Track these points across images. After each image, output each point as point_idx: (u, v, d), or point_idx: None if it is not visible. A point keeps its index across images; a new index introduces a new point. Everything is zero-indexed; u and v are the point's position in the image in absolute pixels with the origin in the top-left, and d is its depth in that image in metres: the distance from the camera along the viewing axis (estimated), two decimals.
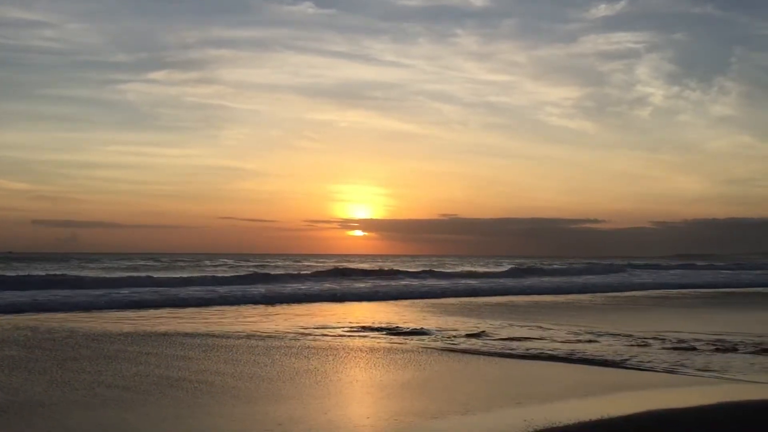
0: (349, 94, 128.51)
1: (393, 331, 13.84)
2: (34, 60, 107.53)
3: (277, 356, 10.39)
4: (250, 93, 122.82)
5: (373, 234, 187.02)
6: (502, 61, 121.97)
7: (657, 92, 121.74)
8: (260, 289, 26.03)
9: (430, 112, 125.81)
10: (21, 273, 34.33)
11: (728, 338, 12.50)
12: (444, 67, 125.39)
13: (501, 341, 12.19)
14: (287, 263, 67.89)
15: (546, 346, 11.50)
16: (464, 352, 11.04)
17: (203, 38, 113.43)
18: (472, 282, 33.80)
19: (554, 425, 6.08)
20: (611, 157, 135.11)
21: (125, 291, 22.96)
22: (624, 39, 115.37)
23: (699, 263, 70.37)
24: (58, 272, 34.49)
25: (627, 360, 10.09)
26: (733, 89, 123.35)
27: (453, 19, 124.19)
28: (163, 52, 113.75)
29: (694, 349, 11.17)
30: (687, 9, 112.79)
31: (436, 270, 43.98)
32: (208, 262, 64.68)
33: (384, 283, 32.41)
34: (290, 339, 12.46)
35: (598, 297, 26.80)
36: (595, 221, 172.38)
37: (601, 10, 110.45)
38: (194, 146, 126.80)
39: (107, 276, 32.66)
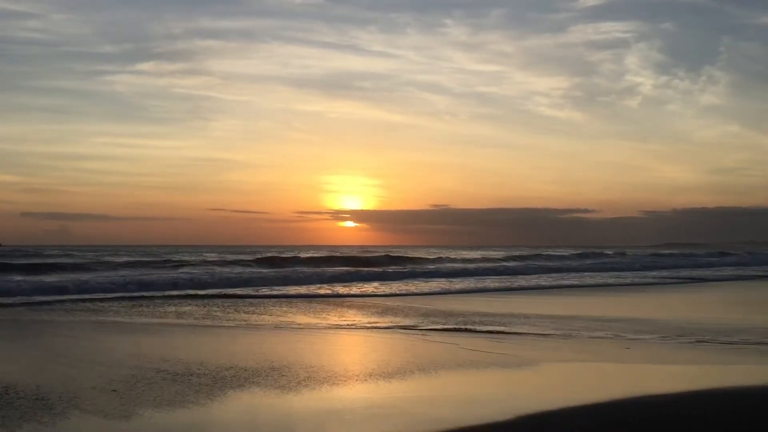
0: (337, 85, 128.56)
1: None
2: (19, 51, 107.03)
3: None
4: (239, 84, 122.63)
5: (364, 225, 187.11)
6: (491, 52, 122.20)
7: (646, 82, 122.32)
8: None
9: (419, 102, 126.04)
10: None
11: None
12: (433, 57, 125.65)
13: None
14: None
15: None
16: None
17: (190, 29, 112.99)
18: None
19: (544, 410, 6.36)
20: (600, 147, 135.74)
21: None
22: (613, 29, 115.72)
23: None
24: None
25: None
26: (722, 79, 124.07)
27: (441, 9, 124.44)
28: (150, 42, 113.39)
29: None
30: None
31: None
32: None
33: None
34: None
35: None
36: (586, 211, 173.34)
37: (590, 0, 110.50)
38: (183, 138, 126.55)
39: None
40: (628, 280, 31.31)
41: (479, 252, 72.33)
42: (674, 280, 31.64)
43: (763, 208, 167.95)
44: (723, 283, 30.01)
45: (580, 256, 53.79)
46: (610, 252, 61.63)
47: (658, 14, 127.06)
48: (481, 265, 42.03)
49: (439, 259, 46.94)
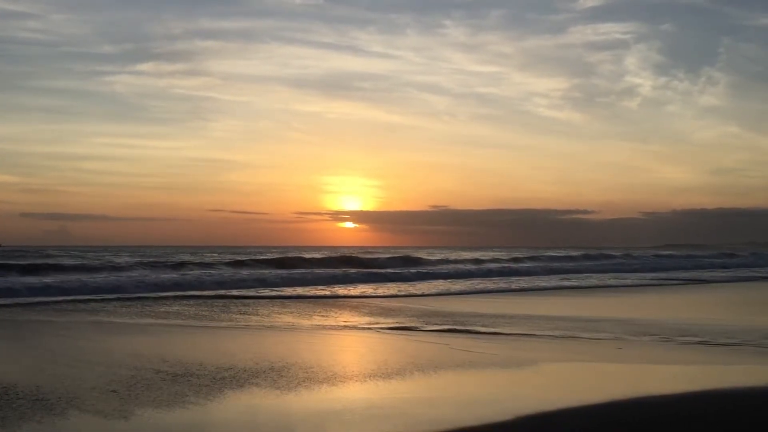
0: (337, 86, 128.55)
1: None
2: (18, 51, 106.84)
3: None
4: (238, 84, 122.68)
5: (364, 226, 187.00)
6: (491, 52, 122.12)
7: (645, 83, 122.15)
8: None
9: (418, 103, 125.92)
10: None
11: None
12: (432, 58, 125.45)
13: None
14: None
15: None
16: None
17: (190, 29, 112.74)
18: None
19: (543, 411, 6.35)
20: (600, 148, 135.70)
21: None
22: (612, 30, 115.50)
23: None
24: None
25: None
26: (721, 80, 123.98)
27: (441, 10, 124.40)
28: (149, 43, 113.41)
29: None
30: None
31: None
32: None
33: None
34: None
35: None
36: (585, 212, 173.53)
37: (589, 1, 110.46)
38: (183, 138, 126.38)
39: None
40: (629, 281, 31.33)
41: (479, 252, 72.36)
42: (677, 282, 31.62)
43: (763, 209, 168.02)
44: (726, 285, 29.99)
45: (586, 257, 53.50)
46: (617, 254, 61.37)
47: (658, 15, 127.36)
48: (484, 266, 42.01)
49: (440, 261, 46.90)
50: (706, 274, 37.98)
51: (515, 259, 49.37)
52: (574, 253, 58.87)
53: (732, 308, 18.69)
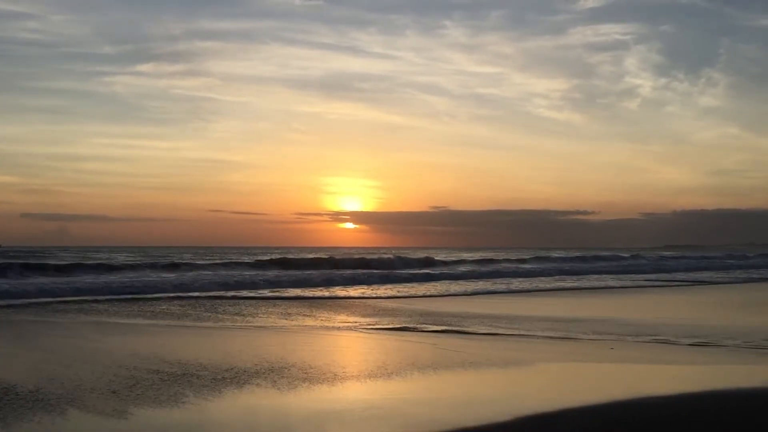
0: (337, 86, 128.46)
1: None
2: (18, 52, 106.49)
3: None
4: (238, 85, 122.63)
5: (364, 226, 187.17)
6: (491, 53, 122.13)
7: (645, 84, 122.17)
8: None
9: (418, 103, 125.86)
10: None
11: None
12: (432, 58, 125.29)
13: None
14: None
15: None
16: None
17: (190, 30, 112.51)
18: None
19: (542, 411, 6.35)
20: (600, 149, 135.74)
21: None
22: (612, 30, 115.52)
23: None
24: None
25: None
26: (721, 81, 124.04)
27: (441, 11, 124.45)
28: (149, 44, 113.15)
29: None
30: (675, 0, 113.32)
31: None
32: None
33: None
34: None
35: None
36: (585, 213, 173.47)
37: (589, 2, 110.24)
38: (182, 139, 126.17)
39: None
40: (629, 282, 31.32)
41: (479, 253, 72.32)
42: (678, 283, 31.60)
43: (763, 210, 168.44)
44: (727, 286, 29.96)
45: (586, 258, 53.29)
46: (626, 255, 61.16)
47: (658, 16, 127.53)
48: (484, 267, 41.98)
49: (440, 261, 46.89)
50: (706, 275, 37.98)
51: (516, 260, 49.42)
52: (575, 254, 58.81)
53: (733, 309, 18.68)
